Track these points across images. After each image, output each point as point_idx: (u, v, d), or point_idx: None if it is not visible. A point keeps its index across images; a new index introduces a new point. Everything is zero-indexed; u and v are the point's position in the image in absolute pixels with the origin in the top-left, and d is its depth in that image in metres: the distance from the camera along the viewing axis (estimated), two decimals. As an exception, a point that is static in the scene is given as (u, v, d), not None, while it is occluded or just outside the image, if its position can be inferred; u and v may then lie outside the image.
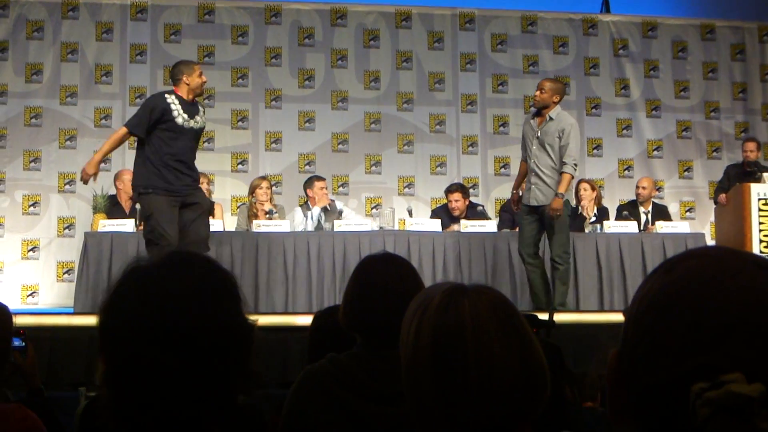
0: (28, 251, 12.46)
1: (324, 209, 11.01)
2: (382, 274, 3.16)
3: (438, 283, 1.89)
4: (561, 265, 9.33)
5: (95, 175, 8.70)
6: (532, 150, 9.38)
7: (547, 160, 9.23)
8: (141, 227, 9.48)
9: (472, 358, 1.71)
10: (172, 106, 8.49)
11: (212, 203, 9.07)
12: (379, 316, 3.04)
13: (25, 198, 12.57)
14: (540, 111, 9.38)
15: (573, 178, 9.32)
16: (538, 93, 9.40)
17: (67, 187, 12.61)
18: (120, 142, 8.91)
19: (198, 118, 8.62)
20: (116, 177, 11.30)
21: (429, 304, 1.79)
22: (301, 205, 11.54)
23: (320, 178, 11.43)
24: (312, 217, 10.88)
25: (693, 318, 1.19)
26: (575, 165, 9.23)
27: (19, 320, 7.97)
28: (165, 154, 8.47)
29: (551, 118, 9.25)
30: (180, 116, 8.48)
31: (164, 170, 8.46)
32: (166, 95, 8.62)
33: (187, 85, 8.60)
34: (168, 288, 1.82)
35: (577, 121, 9.88)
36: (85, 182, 8.86)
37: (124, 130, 8.68)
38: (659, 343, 1.21)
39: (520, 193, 9.57)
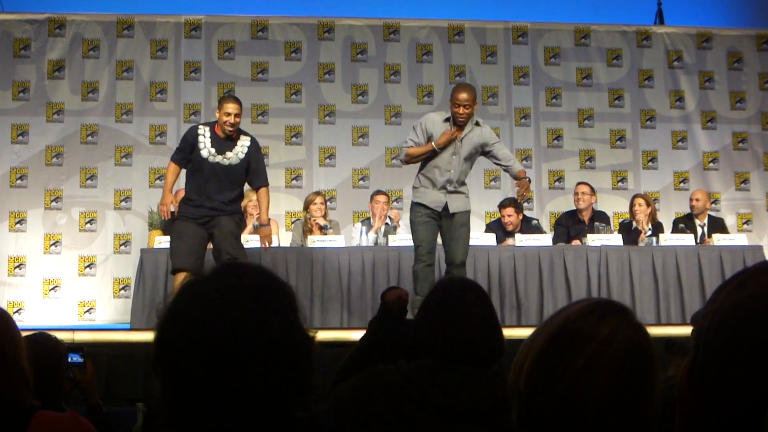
0: (85, 268, 12.56)
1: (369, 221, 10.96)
2: (461, 299, 3.15)
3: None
4: None
5: (170, 204, 8.84)
6: None
7: None
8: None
9: (577, 370, 1.59)
10: (200, 138, 8.54)
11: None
12: (457, 343, 3.03)
13: (81, 215, 12.69)
14: None
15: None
16: None
17: (123, 204, 12.72)
18: (170, 173, 8.88)
19: (230, 154, 8.55)
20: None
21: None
22: (362, 221, 11.49)
23: (379, 192, 11.33)
24: (364, 233, 10.84)
25: None
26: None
27: (76, 336, 8.07)
28: (188, 183, 8.75)
29: None
30: (206, 149, 8.52)
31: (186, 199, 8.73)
32: (201, 126, 8.68)
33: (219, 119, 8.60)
34: (222, 300, 1.78)
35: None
36: (164, 216, 9.02)
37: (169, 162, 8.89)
38: (733, 361, 1.17)
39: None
